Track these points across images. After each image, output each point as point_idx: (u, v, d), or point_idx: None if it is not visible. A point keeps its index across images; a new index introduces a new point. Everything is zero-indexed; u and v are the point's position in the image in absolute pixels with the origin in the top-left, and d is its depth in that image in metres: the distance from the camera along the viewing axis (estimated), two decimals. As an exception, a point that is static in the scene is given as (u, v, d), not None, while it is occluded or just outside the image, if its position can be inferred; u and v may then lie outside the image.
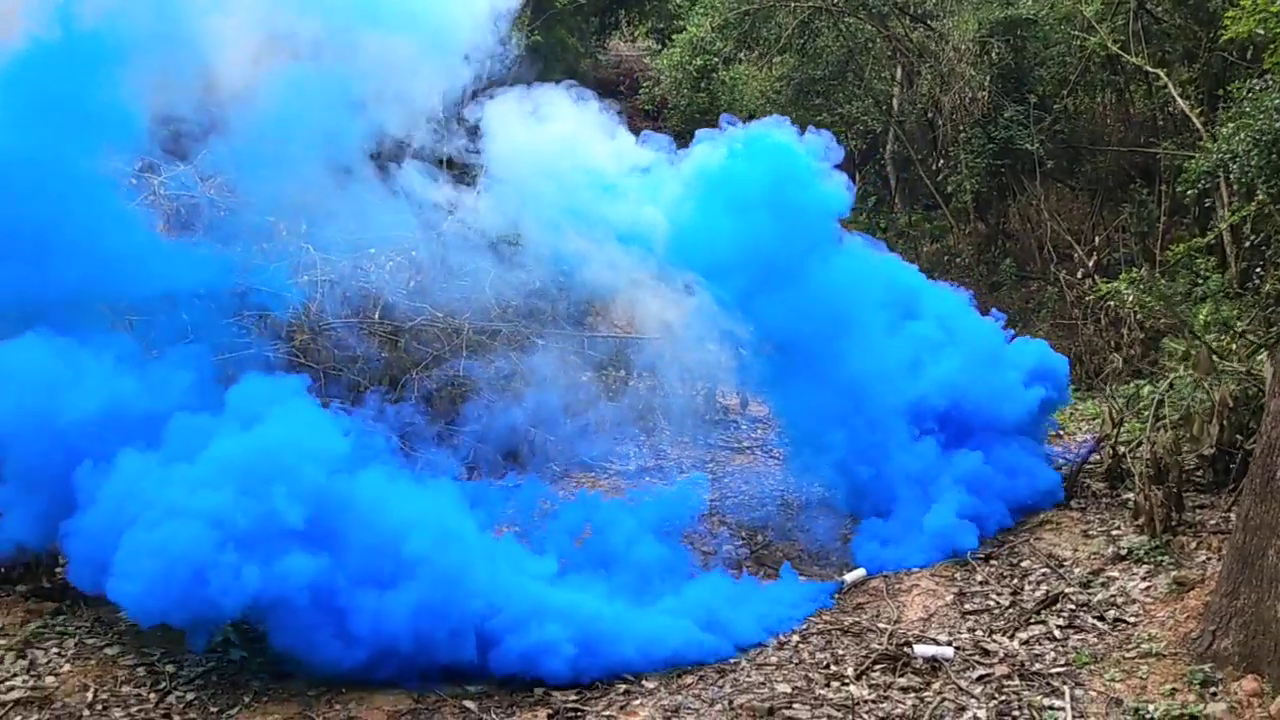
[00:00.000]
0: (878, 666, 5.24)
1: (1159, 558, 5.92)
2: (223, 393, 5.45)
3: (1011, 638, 5.46)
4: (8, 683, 4.80)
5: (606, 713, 4.92)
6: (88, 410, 5.16)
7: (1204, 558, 5.82)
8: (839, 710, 4.85)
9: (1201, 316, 8.44)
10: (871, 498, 6.92)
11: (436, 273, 7.53)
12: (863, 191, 14.45)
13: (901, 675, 5.16)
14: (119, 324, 5.90)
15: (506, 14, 6.87)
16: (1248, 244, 9.37)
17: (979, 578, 6.18)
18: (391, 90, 6.55)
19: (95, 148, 5.69)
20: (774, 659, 5.40)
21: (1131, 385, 7.97)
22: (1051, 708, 4.77)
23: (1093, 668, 5.07)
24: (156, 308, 6.05)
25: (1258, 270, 9.06)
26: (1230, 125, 8.43)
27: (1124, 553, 6.08)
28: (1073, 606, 5.67)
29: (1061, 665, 5.14)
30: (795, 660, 5.38)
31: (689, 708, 4.94)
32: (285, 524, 4.83)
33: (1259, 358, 6.96)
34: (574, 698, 5.03)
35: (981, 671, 5.14)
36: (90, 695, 4.78)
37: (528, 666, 5.10)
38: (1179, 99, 10.86)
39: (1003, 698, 4.90)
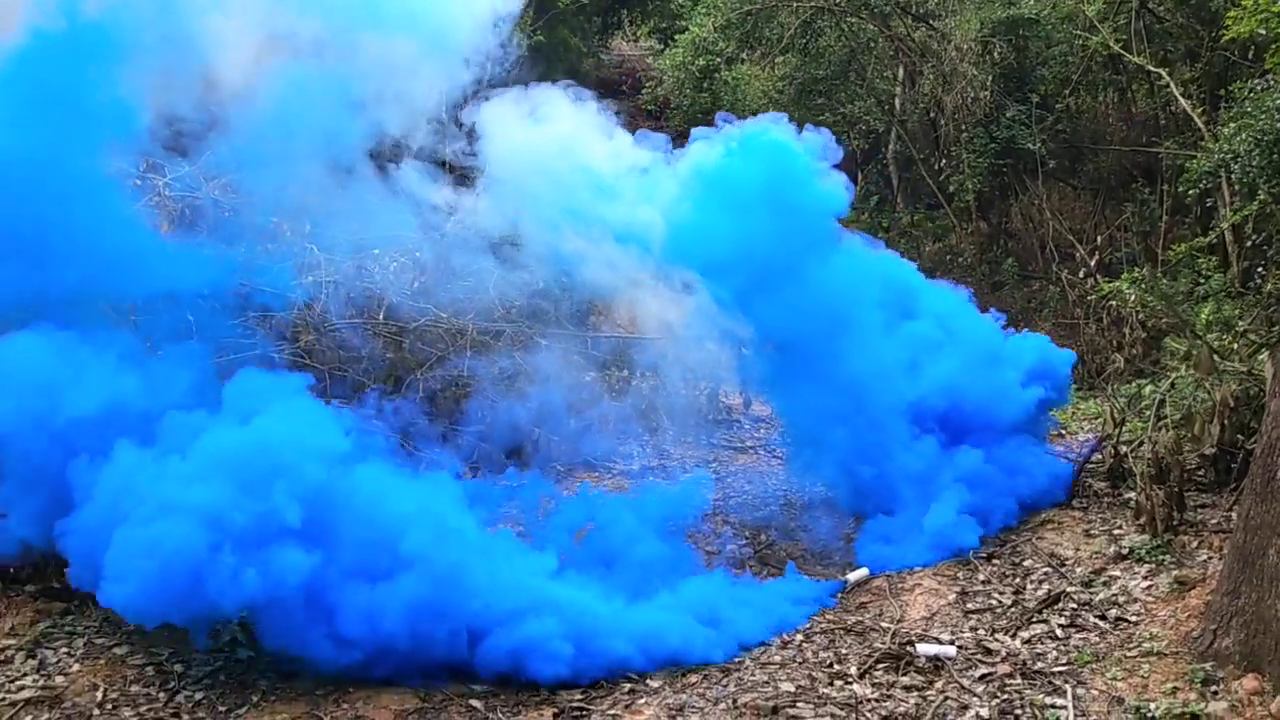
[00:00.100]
0: (881, 665, 5.27)
1: (1160, 557, 5.95)
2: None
3: (1014, 637, 5.48)
4: (18, 682, 4.84)
5: (611, 711, 4.96)
6: (88, 408, 5.12)
7: (1205, 557, 5.84)
8: (842, 709, 4.88)
9: (1203, 316, 8.46)
10: (874, 497, 6.94)
11: (439, 273, 7.56)
12: (865, 191, 14.49)
13: (904, 674, 5.19)
14: (121, 322, 5.87)
15: (508, 16, 6.87)
16: (1249, 243, 9.40)
17: (981, 577, 6.21)
18: (392, 91, 6.54)
19: (96, 144, 5.64)
20: (778, 658, 5.43)
21: (1133, 385, 7.99)
22: (1053, 706, 4.80)
23: (1094, 666, 5.10)
24: (159, 306, 6.03)
25: (1259, 270, 9.08)
26: (1232, 125, 8.46)
27: (1125, 552, 6.10)
28: (1074, 606, 5.70)
29: (1063, 664, 5.16)
30: (799, 659, 5.41)
31: (694, 706, 4.97)
32: (283, 522, 4.76)
33: (1260, 357, 6.98)
34: (579, 697, 5.06)
35: (984, 670, 5.16)
36: (100, 695, 4.82)
37: (517, 662, 5.05)
38: (1181, 98, 10.89)
39: (1005, 696, 4.92)
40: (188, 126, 6.47)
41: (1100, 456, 7.30)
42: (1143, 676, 4.96)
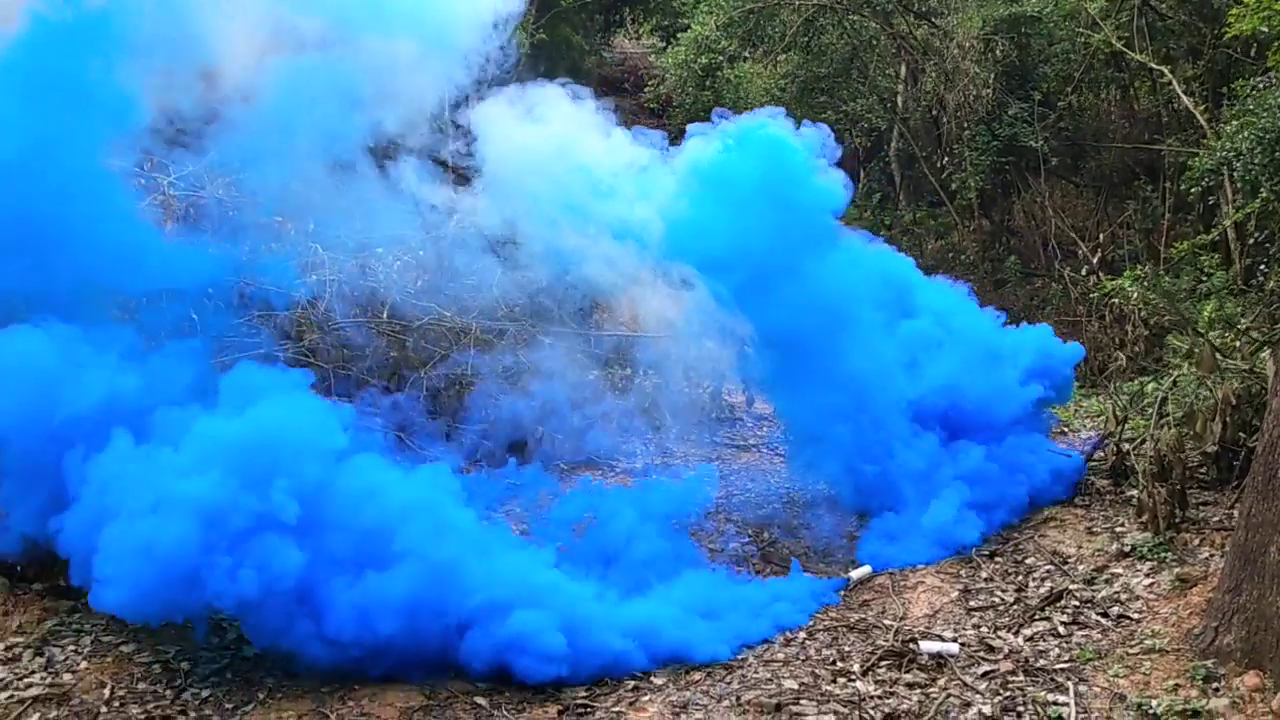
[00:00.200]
0: (883, 663, 5.29)
1: (1162, 554, 5.96)
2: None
3: (1016, 634, 5.50)
4: (26, 680, 4.86)
5: (616, 709, 4.98)
6: (86, 404, 5.07)
7: (1207, 554, 5.86)
8: (845, 706, 4.90)
9: (1205, 314, 8.46)
10: (877, 495, 6.95)
11: (442, 272, 7.57)
12: (867, 189, 14.49)
13: (907, 671, 5.21)
14: (121, 317, 5.84)
15: (511, 17, 6.85)
16: (1252, 241, 9.39)
17: (984, 575, 6.23)
18: (392, 90, 6.53)
19: (98, 138, 5.57)
20: (781, 655, 5.45)
21: (1135, 382, 8.01)
22: (1055, 703, 4.81)
23: (1096, 663, 5.12)
24: (161, 303, 6.01)
25: (1261, 267, 9.08)
26: (1234, 123, 8.46)
27: (1128, 549, 6.11)
28: (1076, 603, 5.71)
29: (1065, 661, 5.18)
30: (802, 657, 5.43)
31: (697, 704, 4.99)
32: (279, 518, 4.70)
33: (1262, 355, 6.99)
34: (583, 694, 5.08)
35: (986, 667, 5.18)
36: (107, 692, 4.83)
37: (503, 655, 4.99)
38: (1183, 96, 10.89)
39: (1007, 693, 4.94)
40: (189, 124, 6.46)
41: (1103, 454, 7.32)
42: (1144, 673, 4.98)
